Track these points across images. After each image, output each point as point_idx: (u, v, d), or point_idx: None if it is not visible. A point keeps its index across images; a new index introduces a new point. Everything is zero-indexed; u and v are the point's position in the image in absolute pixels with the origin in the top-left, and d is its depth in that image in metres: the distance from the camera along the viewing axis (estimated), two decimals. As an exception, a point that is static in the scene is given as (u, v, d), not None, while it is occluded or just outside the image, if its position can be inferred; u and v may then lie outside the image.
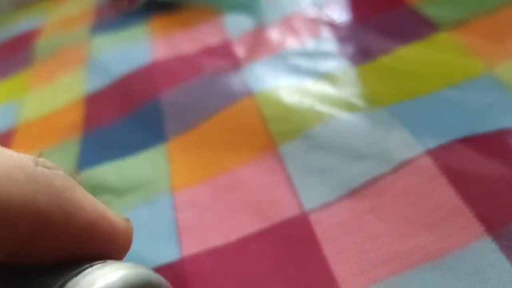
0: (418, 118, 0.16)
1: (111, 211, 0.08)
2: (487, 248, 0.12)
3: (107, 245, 0.08)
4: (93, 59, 0.27)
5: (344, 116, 0.17)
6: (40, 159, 0.07)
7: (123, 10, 0.30)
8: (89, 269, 0.07)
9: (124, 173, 0.19)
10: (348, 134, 0.16)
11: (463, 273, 0.12)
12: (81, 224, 0.07)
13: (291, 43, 0.22)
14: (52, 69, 0.28)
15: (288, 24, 0.24)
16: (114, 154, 0.20)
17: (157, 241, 0.16)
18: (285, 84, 0.20)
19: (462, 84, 0.17)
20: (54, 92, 0.26)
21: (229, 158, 0.17)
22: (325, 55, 0.21)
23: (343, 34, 0.21)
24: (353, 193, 0.14)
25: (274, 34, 0.23)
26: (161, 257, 0.15)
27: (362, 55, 0.20)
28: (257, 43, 0.23)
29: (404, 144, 0.15)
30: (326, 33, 0.22)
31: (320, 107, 0.18)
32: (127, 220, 0.09)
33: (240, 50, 0.23)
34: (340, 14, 0.23)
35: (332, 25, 0.22)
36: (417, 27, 0.20)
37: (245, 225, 0.15)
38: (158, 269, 0.15)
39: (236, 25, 0.25)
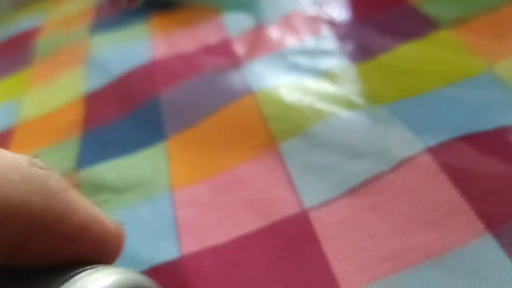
0: (418, 116, 0.16)
1: (103, 214, 0.08)
2: (487, 246, 0.12)
3: (99, 248, 0.08)
4: (93, 58, 0.27)
5: (344, 114, 0.17)
6: (35, 160, 0.07)
7: (123, 9, 0.30)
8: (80, 274, 0.07)
9: (124, 171, 0.19)
10: (348, 132, 0.16)
11: (464, 271, 0.12)
12: (74, 226, 0.07)
13: (291, 41, 0.22)
14: (51, 68, 0.28)
15: (288, 22, 0.24)
16: (114, 152, 0.20)
17: (157, 239, 0.16)
18: (285, 82, 0.20)
19: (462, 82, 0.17)
20: (53, 91, 0.26)
21: (229, 157, 0.17)
22: (325, 53, 0.21)
23: (343, 32, 0.21)
24: (353, 191, 0.14)
25: (274, 33, 0.23)
26: (161, 256, 0.15)
27: (362, 53, 0.20)
28: (257, 41, 0.23)
29: (404, 142, 0.15)
30: (326, 31, 0.22)
31: (320, 105, 0.18)
32: (119, 223, 0.09)
33: (240, 49, 0.23)
34: (340, 12, 0.23)
35: (332, 23, 0.22)
36: (417, 25, 0.20)
37: (245, 223, 0.15)
38: (158, 268, 0.15)
39: (235, 23, 0.25)
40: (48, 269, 0.07)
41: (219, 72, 0.22)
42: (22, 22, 0.34)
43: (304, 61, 0.21)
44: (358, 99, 0.18)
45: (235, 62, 0.22)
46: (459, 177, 0.14)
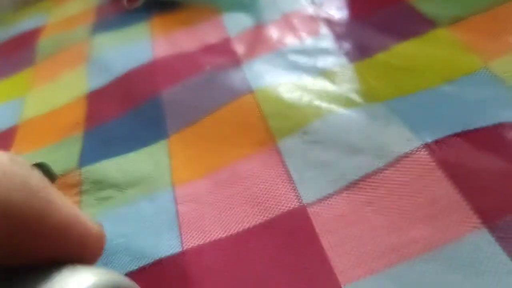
0: (415, 113, 0.16)
1: (85, 215, 0.08)
2: (483, 240, 0.12)
3: (80, 249, 0.08)
4: (95, 58, 0.27)
5: (342, 111, 0.17)
6: (16, 158, 0.07)
7: (124, 9, 0.30)
8: (61, 274, 0.07)
9: (126, 168, 0.19)
10: (346, 129, 0.16)
11: (460, 265, 0.12)
12: (55, 225, 0.07)
13: (290, 40, 0.22)
14: (54, 67, 0.28)
15: (286, 21, 0.24)
16: (116, 150, 0.20)
17: (159, 234, 0.16)
18: (284, 81, 0.20)
19: (459, 79, 0.17)
20: (56, 90, 0.26)
21: (229, 153, 0.18)
22: (323, 52, 0.21)
23: (341, 31, 0.22)
24: (351, 187, 0.15)
25: (273, 32, 0.23)
26: (163, 250, 0.15)
27: (360, 51, 0.20)
28: (257, 40, 0.23)
29: (401, 139, 0.15)
30: (324, 30, 0.22)
31: (318, 103, 0.18)
32: (100, 225, 0.09)
33: (239, 48, 0.23)
34: (338, 12, 0.23)
35: (330, 23, 0.22)
36: (415, 24, 0.20)
37: (245, 218, 0.15)
38: (161, 262, 0.15)
39: (235, 23, 0.25)
40: (28, 269, 0.07)
41: (220, 71, 0.22)
42: (24, 23, 0.35)
43: (303, 59, 0.21)
44: (356, 97, 0.18)
45: (235, 61, 0.22)
46: (456, 173, 0.14)
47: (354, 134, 0.16)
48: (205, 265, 0.14)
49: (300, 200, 0.15)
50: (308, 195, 0.15)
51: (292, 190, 0.15)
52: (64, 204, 0.08)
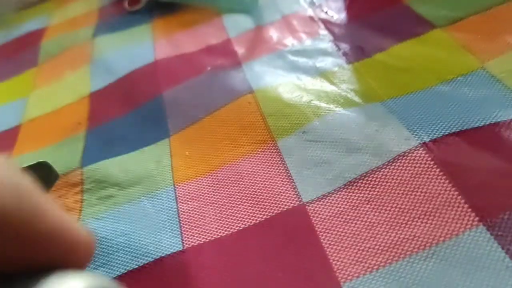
0: (413, 113, 0.16)
1: (74, 221, 0.08)
2: (481, 237, 0.12)
3: (69, 255, 0.08)
4: (97, 59, 0.27)
5: (341, 111, 0.17)
6: (8, 162, 0.07)
7: (126, 11, 0.31)
8: (49, 279, 0.07)
9: (128, 167, 0.19)
10: (345, 128, 0.17)
11: (458, 262, 0.12)
12: (44, 231, 0.07)
13: (289, 41, 0.23)
14: (57, 68, 0.28)
15: (286, 23, 0.24)
16: (118, 149, 0.20)
17: (160, 232, 0.16)
18: (284, 81, 0.20)
19: (456, 79, 0.17)
20: (59, 91, 0.26)
21: (229, 152, 0.18)
22: (322, 52, 0.21)
23: (340, 33, 0.22)
24: (349, 185, 0.15)
25: (272, 33, 0.24)
26: (164, 248, 0.15)
27: (358, 52, 0.20)
28: (256, 41, 0.23)
29: (399, 138, 0.15)
30: (323, 31, 0.22)
31: (317, 103, 0.18)
32: (90, 232, 0.09)
33: (240, 49, 0.24)
34: (337, 13, 0.23)
35: (329, 24, 0.23)
36: (412, 25, 0.20)
37: (245, 216, 0.15)
38: (161, 260, 0.15)
39: (235, 24, 0.26)
40: (17, 275, 0.07)
41: (220, 71, 0.22)
42: (27, 24, 0.35)
43: (302, 60, 0.21)
44: (354, 97, 0.18)
45: (236, 61, 0.23)
46: (453, 171, 0.14)
47: (353, 133, 0.16)
48: (205, 264, 0.14)
49: (300, 199, 0.15)
50: (308, 193, 0.15)
51: (292, 189, 0.16)
52: (54, 210, 0.08)
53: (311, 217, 0.14)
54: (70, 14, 0.34)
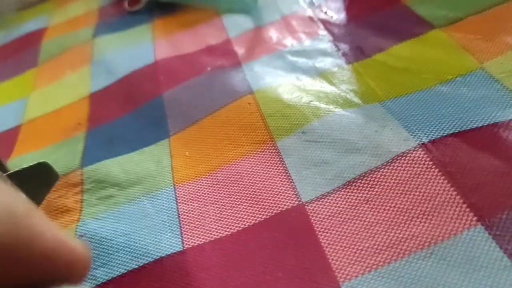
0: (412, 113, 0.16)
1: (70, 236, 0.08)
2: (479, 237, 0.12)
3: (66, 272, 0.08)
4: (98, 59, 0.28)
5: (340, 111, 0.18)
6: (2, 183, 0.07)
7: (126, 11, 0.31)
8: None
9: (128, 167, 0.19)
10: (344, 129, 0.17)
11: (456, 261, 0.12)
12: (41, 252, 0.07)
13: (289, 41, 0.23)
14: (58, 68, 0.28)
15: (286, 23, 0.24)
16: (118, 150, 0.20)
17: (160, 233, 0.16)
18: (283, 82, 0.20)
19: (455, 80, 0.17)
20: (59, 91, 0.26)
21: (229, 153, 0.18)
22: (322, 53, 0.21)
23: (339, 33, 0.22)
24: (348, 185, 0.15)
25: (272, 33, 0.24)
26: (165, 249, 0.15)
27: (357, 52, 0.20)
28: (256, 42, 0.23)
29: (398, 138, 0.16)
30: (323, 32, 0.22)
31: (317, 103, 0.18)
32: (86, 245, 0.09)
33: (239, 49, 0.24)
34: (336, 14, 0.23)
35: (328, 24, 0.23)
36: (411, 25, 0.20)
37: (245, 216, 0.15)
38: (162, 260, 0.15)
39: (235, 25, 0.26)
40: None
41: (220, 71, 0.22)
42: (27, 24, 0.35)
43: (301, 60, 0.21)
44: (354, 98, 0.18)
45: (235, 62, 0.23)
46: (452, 171, 0.14)
47: (352, 134, 0.16)
48: (205, 264, 0.14)
49: (299, 198, 0.15)
50: (307, 193, 0.15)
51: (291, 189, 0.16)
52: (49, 228, 0.08)
53: (310, 217, 0.14)
54: (70, 14, 0.34)
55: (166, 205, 0.17)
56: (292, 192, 0.15)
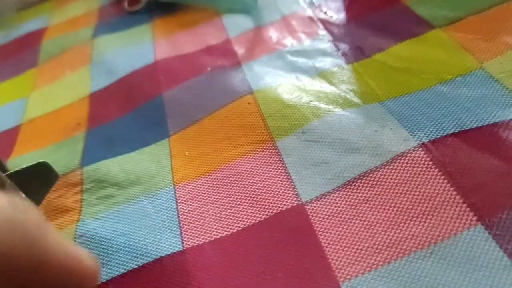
0: (412, 113, 0.16)
1: (80, 251, 0.09)
2: (479, 237, 0.12)
3: (76, 284, 0.08)
4: (98, 59, 0.28)
5: (340, 111, 0.18)
6: (16, 202, 0.08)
7: (125, 11, 0.31)
8: None
9: (128, 167, 0.19)
10: (344, 129, 0.17)
11: (456, 261, 0.12)
12: (54, 267, 0.08)
13: (289, 41, 0.23)
14: (57, 68, 0.28)
15: (285, 23, 0.24)
16: (118, 150, 0.20)
17: (160, 233, 0.16)
18: (283, 82, 0.20)
19: (454, 80, 0.17)
20: (59, 91, 0.26)
21: (229, 152, 0.18)
22: (321, 53, 0.21)
23: (339, 33, 0.22)
24: (348, 185, 0.15)
25: (272, 33, 0.24)
26: (164, 249, 0.15)
27: (357, 52, 0.20)
28: (256, 42, 0.24)
29: (398, 138, 0.16)
30: (322, 31, 0.22)
31: (317, 103, 0.18)
32: (95, 259, 0.09)
33: (239, 49, 0.24)
34: (336, 13, 0.23)
35: (328, 24, 0.23)
36: (411, 25, 0.20)
37: (245, 216, 0.15)
38: (161, 260, 0.15)
39: (235, 25, 0.26)
40: None
41: (220, 71, 0.22)
42: (27, 24, 0.35)
43: (301, 60, 0.21)
44: (353, 98, 0.18)
45: (235, 62, 0.23)
46: (451, 171, 0.14)
47: (352, 133, 0.16)
48: (205, 264, 0.14)
49: (299, 198, 0.15)
50: (307, 193, 0.15)
51: (291, 188, 0.16)
52: (61, 244, 0.08)
53: (310, 217, 0.14)
54: (70, 14, 0.34)
55: (166, 205, 0.17)
56: (292, 192, 0.15)
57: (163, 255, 0.15)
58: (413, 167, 0.15)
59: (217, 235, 0.15)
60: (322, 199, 0.15)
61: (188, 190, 0.17)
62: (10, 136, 0.24)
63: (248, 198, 0.16)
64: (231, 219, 0.16)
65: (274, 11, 0.25)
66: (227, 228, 0.15)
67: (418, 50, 0.19)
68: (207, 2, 0.28)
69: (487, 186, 0.13)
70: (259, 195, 0.16)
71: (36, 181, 0.15)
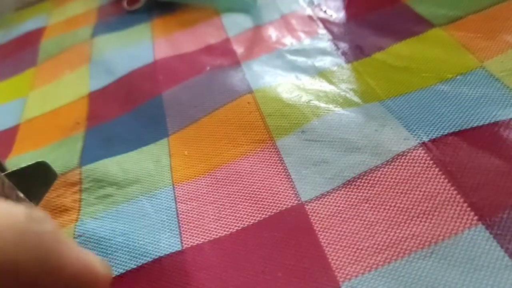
0: (412, 112, 0.16)
1: (93, 257, 0.09)
2: (480, 236, 0.12)
3: None
4: (97, 58, 0.27)
5: (340, 111, 0.17)
6: (33, 213, 0.08)
7: (125, 11, 0.31)
8: None
9: (127, 167, 0.19)
10: (344, 128, 0.17)
11: (457, 261, 0.12)
12: (67, 276, 0.08)
13: (288, 40, 0.23)
14: (56, 67, 0.28)
15: (285, 22, 0.24)
16: (117, 149, 0.20)
17: (159, 232, 0.16)
18: (283, 81, 0.20)
19: (455, 79, 0.17)
20: (58, 90, 0.26)
21: (228, 152, 0.18)
22: (321, 52, 0.21)
23: (339, 32, 0.22)
24: (348, 184, 0.15)
25: (271, 32, 0.24)
26: (163, 248, 0.15)
27: (357, 51, 0.20)
28: (255, 41, 0.23)
29: (398, 138, 0.15)
30: (322, 30, 0.22)
31: (316, 102, 0.18)
32: (106, 264, 0.09)
33: (239, 48, 0.24)
34: (335, 12, 0.23)
35: (328, 23, 0.23)
36: (411, 24, 0.20)
37: (244, 216, 0.15)
38: (160, 260, 0.15)
39: (235, 24, 0.26)
40: None
41: (219, 71, 0.22)
42: (26, 24, 0.35)
43: (301, 60, 0.21)
44: (353, 97, 0.18)
45: (235, 61, 0.23)
46: (452, 171, 0.14)
47: (352, 133, 0.16)
48: (204, 264, 0.14)
49: (298, 198, 0.15)
50: (306, 192, 0.15)
51: (291, 188, 0.16)
52: (75, 252, 0.08)
53: (310, 216, 0.14)
54: (69, 14, 0.34)
55: (165, 205, 0.17)
56: (292, 192, 0.15)
57: (162, 255, 0.15)
58: (414, 166, 0.14)
59: (217, 235, 0.15)
60: (322, 198, 0.15)
61: (187, 190, 0.17)
62: (9, 136, 0.24)
63: (247, 198, 0.16)
64: (230, 218, 0.15)
65: (274, 10, 0.25)
66: (227, 227, 0.15)
67: (418, 49, 0.19)
68: (206, 1, 0.28)
69: (487, 186, 0.13)
70: (258, 194, 0.16)
71: (35, 181, 0.15)
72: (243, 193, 0.16)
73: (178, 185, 0.18)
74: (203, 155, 0.18)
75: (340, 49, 0.21)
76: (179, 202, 0.17)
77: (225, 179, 0.17)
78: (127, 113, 0.22)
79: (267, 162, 0.17)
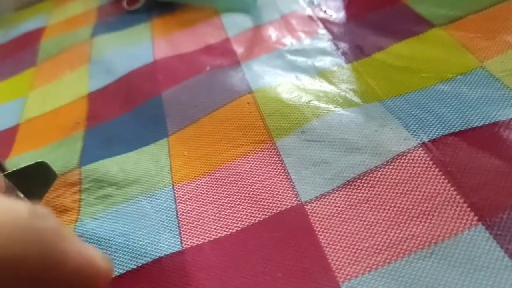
0: (412, 112, 0.16)
1: (95, 252, 0.09)
2: (480, 237, 0.12)
3: (91, 286, 0.09)
4: (96, 58, 0.27)
5: (340, 111, 0.17)
6: (36, 210, 0.08)
7: (124, 10, 0.31)
8: None
9: (126, 167, 0.19)
10: (344, 128, 0.17)
11: (457, 261, 0.12)
12: (69, 271, 0.08)
13: (288, 40, 0.23)
14: (56, 68, 0.28)
15: (285, 22, 0.24)
16: (116, 149, 0.20)
17: (159, 233, 0.16)
18: (283, 81, 0.20)
19: (455, 79, 0.17)
20: (58, 90, 0.26)
21: (228, 152, 0.18)
22: (321, 52, 0.21)
23: (339, 32, 0.22)
24: (348, 184, 0.15)
25: (271, 32, 0.24)
26: (163, 249, 0.15)
27: (357, 51, 0.20)
28: (255, 41, 0.23)
29: (398, 138, 0.15)
30: (322, 30, 0.22)
31: (316, 102, 0.18)
32: (108, 259, 0.09)
33: (238, 48, 0.24)
34: (335, 12, 0.23)
35: (328, 23, 0.23)
36: (411, 24, 0.20)
37: (244, 216, 0.15)
38: (160, 260, 0.15)
39: (234, 24, 0.26)
40: None
41: (219, 71, 0.22)
42: (25, 24, 0.35)
43: (301, 60, 0.21)
44: (353, 97, 0.18)
45: (234, 61, 0.23)
46: (452, 171, 0.14)
47: (352, 133, 0.16)
48: (204, 264, 0.14)
49: (298, 198, 0.15)
50: (306, 193, 0.15)
51: (290, 188, 0.16)
52: (77, 247, 0.08)
53: (310, 217, 0.14)
54: (68, 14, 0.34)
55: (165, 205, 0.17)
56: (292, 192, 0.15)
57: (162, 255, 0.15)
58: (414, 166, 0.14)
59: (216, 235, 0.15)
60: (322, 199, 0.15)
61: (187, 190, 0.17)
62: (8, 136, 0.24)
63: (247, 198, 0.16)
64: (230, 219, 0.15)
65: (274, 10, 0.25)
66: (227, 228, 0.15)
67: (418, 49, 0.19)
68: (206, 1, 0.28)
69: (487, 186, 0.13)
70: (258, 195, 0.16)
71: (34, 181, 0.15)
72: (243, 193, 0.16)
73: (178, 186, 0.18)
74: (203, 155, 0.18)
75: (340, 49, 0.21)
76: (179, 202, 0.17)
77: (225, 179, 0.17)
78: (127, 113, 0.22)
79: (267, 162, 0.17)
